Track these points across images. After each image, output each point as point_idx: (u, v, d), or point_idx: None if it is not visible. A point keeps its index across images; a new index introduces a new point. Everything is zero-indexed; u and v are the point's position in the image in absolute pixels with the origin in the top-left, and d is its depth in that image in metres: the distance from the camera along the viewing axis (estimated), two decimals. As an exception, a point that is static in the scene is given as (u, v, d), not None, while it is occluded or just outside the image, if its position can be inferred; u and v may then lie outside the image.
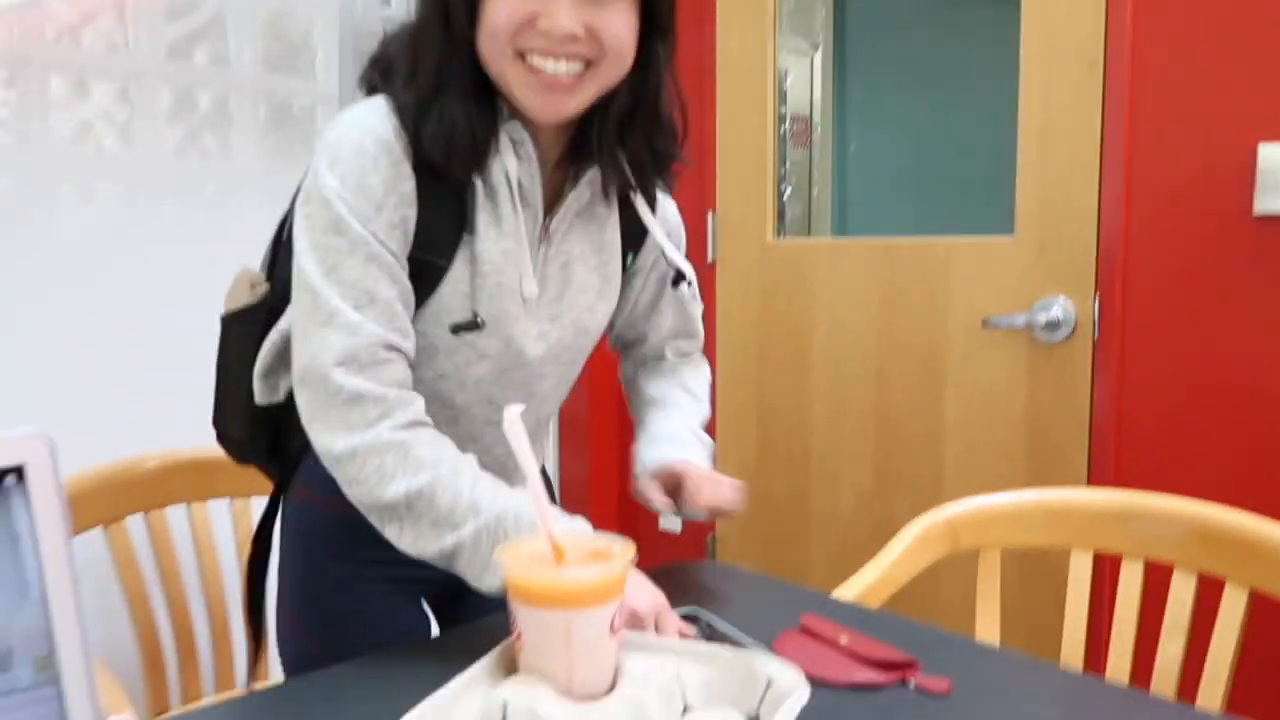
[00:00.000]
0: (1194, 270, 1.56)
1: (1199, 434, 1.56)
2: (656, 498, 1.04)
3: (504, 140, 0.90)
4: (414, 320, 0.90)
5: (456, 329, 0.91)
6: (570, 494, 2.42)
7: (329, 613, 0.98)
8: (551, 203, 0.96)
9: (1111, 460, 1.64)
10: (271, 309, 0.96)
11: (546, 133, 0.93)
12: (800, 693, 0.68)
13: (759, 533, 2.20)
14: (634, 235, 1.04)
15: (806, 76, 2.62)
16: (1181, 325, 1.57)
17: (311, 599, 0.99)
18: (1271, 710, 1.45)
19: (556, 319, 0.97)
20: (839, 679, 0.78)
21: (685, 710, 0.71)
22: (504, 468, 1.03)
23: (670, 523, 2.34)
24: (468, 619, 0.97)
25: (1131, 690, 0.80)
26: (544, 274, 0.95)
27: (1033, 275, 1.74)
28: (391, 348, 0.86)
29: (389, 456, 0.83)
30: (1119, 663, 1.13)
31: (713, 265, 2.23)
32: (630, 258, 1.06)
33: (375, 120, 0.86)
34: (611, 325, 1.10)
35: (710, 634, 0.87)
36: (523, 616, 0.71)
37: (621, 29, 0.86)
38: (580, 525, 0.85)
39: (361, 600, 0.97)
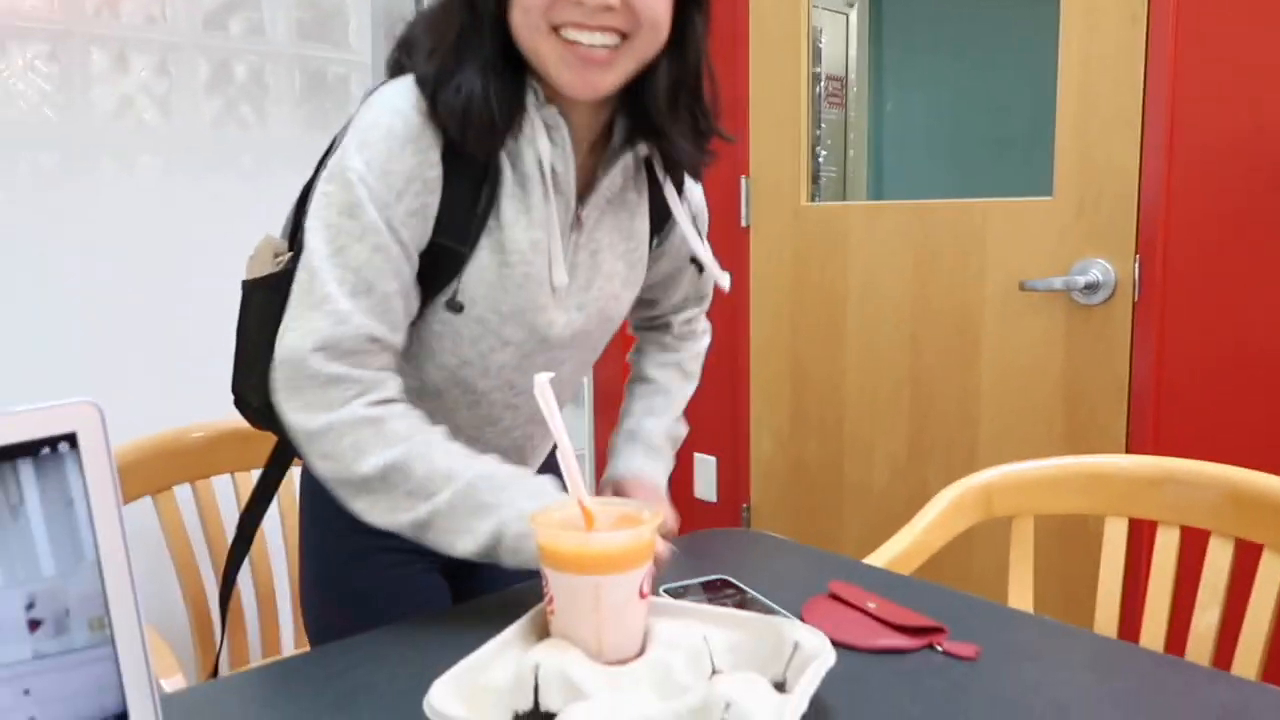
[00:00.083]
0: (1238, 231, 1.52)
1: (1240, 399, 1.54)
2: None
3: (538, 125, 0.89)
4: (436, 313, 0.91)
5: (452, 307, 0.90)
6: (605, 464, 2.44)
7: (349, 582, 1.00)
8: (583, 189, 0.95)
9: (1151, 426, 1.62)
10: (291, 280, 0.96)
11: (581, 116, 0.92)
12: (826, 657, 0.69)
13: (792, 501, 2.21)
14: (660, 218, 1.03)
15: (842, 35, 2.58)
16: (1224, 287, 1.54)
17: (332, 570, 1.01)
18: (1311, 676, 1.44)
19: (583, 307, 0.97)
20: (866, 644, 0.79)
21: (713, 674, 0.73)
22: (520, 450, 1.05)
23: None
24: (483, 590, 0.99)
25: (1162, 655, 0.80)
26: (573, 262, 0.95)
27: (1071, 236, 1.71)
28: (376, 340, 0.85)
29: (365, 431, 0.84)
30: (1154, 630, 1.12)
31: (746, 230, 2.22)
32: (655, 241, 1.05)
33: (405, 102, 0.85)
34: None
35: (739, 600, 0.88)
36: (553, 581, 0.72)
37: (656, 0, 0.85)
38: (546, 484, 0.87)
39: (380, 571, 0.99)
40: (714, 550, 1.06)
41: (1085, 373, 1.72)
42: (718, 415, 2.31)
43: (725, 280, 1.03)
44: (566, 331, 0.96)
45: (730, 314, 2.27)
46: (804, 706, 0.64)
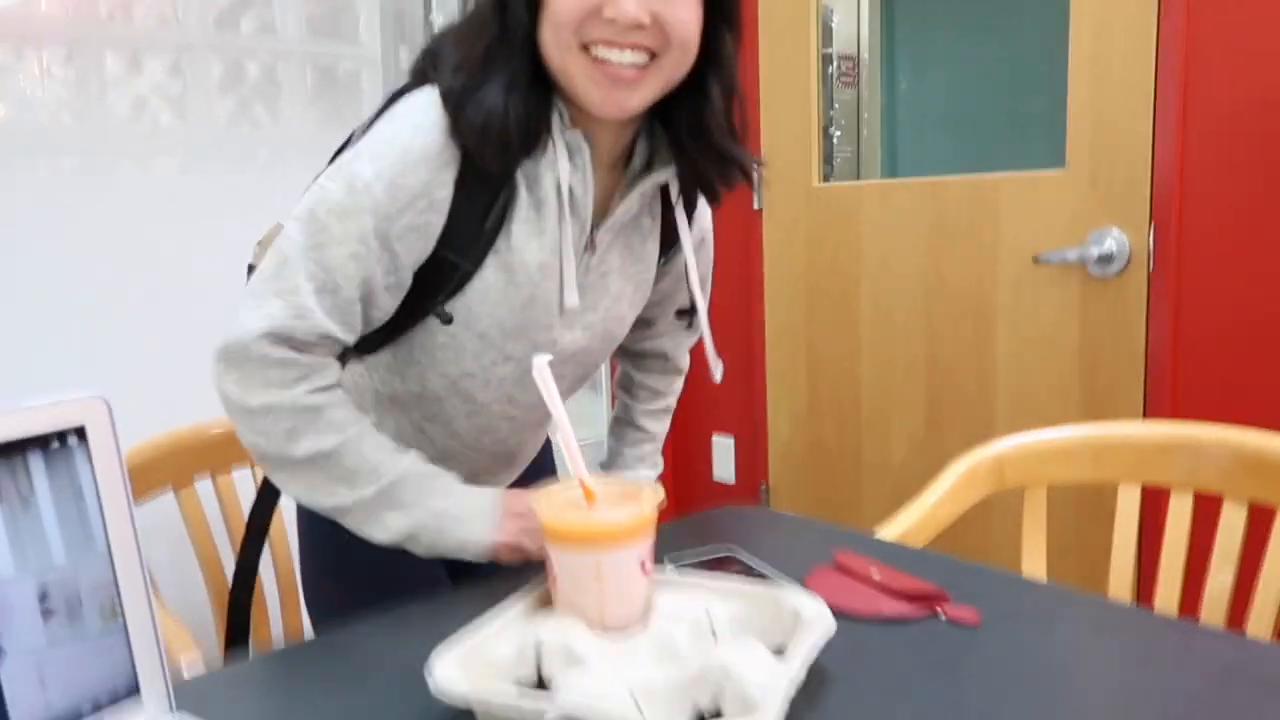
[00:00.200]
0: (1253, 199, 1.50)
1: (1257, 369, 1.52)
2: None
3: (560, 148, 0.88)
4: (437, 326, 0.91)
5: (440, 317, 0.90)
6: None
7: (345, 562, 1.01)
8: (599, 212, 0.94)
9: (1167, 398, 1.61)
10: None
11: (604, 138, 0.91)
12: (825, 624, 0.70)
13: (811, 481, 2.21)
14: (669, 240, 1.03)
15: (853, 13, 2.56)
16: (1240, 256, 1.52)
17: (330, 553, 1.02)
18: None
19: (589, 327, 0.97)
20: (868, 611, 0.80)
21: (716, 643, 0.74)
22: (511, 454, 1.07)
23: None
24: (481, 571, 1.01)
25: (1162, 616, 0.80)
26: (583, 284, 0.95)
27: (1085, 208, 1.69)
28: (329, 336, 0.86)
29: (304, 418, 0.85)
30: (1168, 595, 1.12)
31: (759, 213, 2.22)
32: (662, 259, 1.05)
33: (426, 118, 0.84)
34: None
35: (745, 572, 0.89)
36: (557, 558, 0.74)
37: (688, 18, 0.84)
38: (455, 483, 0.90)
39: (376, 553, 1.02)
40: (722, 526, 1.07)
41: (1101, 345, 1.70)
42: (735, 396, 2.32)
43: (718, 369, 1.03)
44: (570, 349, 0.97)
45: (745, 296, 2.27)
46: (802, 673, 0.65)
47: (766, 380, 2.27)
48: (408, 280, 0.89)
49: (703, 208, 1.07)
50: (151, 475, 1.33)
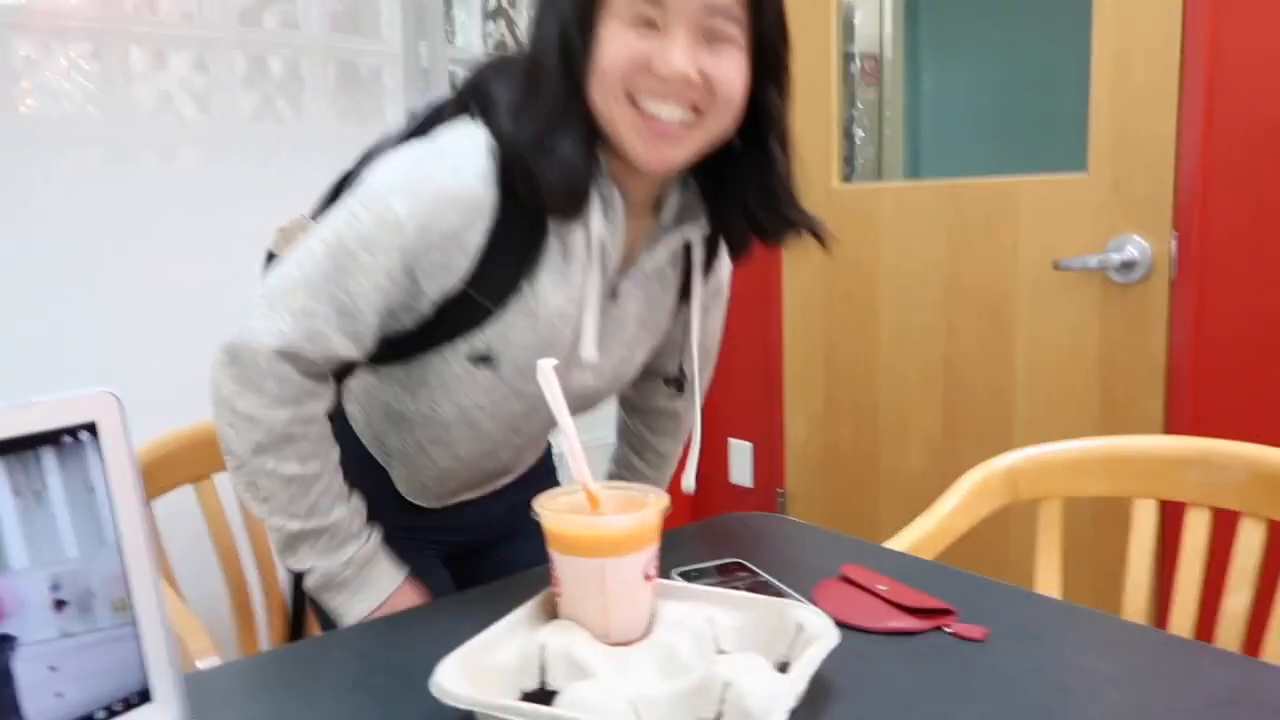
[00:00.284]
0: (1278, 207, 1.48)
1: (1282, 378, 1.50)
2: None
3: (594, 201, 0.88)
4: (456, 355, 0.91)
5: (474, 359, 0.91)
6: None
7: None
8: (624, 261, 0.95)
9: (1188, 407, 1.59)
10: None
11: (636, 188, 0.91)
12: (828, 638, 0.70)
13: (828, 485, 2.20)
14: (690, 288, 1.03)
15: (876, 11, 2.55)
16: (1264, 264, 1.50)
17: None
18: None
19: (600, 370, 0.98)
20: (874, 625, 0.80)
21: (719, 654, 0.74)
22: (506, 469, 1.08)
23: None
24: (483, 576, 1.02)
25: (1170, 636, 0.79)
26: (600, 330, 0.95)
27: (1106, 213, 1.68)
28: (339, 358, 0.87)
29: (274, 440, 0.86)
30: (1183, 614, 1.11)
31: (778, 213, 2.21)
32: (681, 307, 1.05)
33: (468, 164, 0.84)
34: None
35: (752, 583, 0.89)
36: (560, 564, 0.74)
37: (735, 75, 0.85)
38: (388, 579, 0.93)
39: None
40: (731, 533, 1.06)
41: (1121, 353, 1.69)
42: (752, 400, 2.31)
43: (690, 477, 1.02)
44: (579, 390, 0.98)
45: (763, 299, 2.27)
46: (804, 687, 0.65)
47: (784, 384, 2.27)
48: (429, 311, 0.89)
49: (724, 260, 1.07)
50: (171, 470, 1.34)
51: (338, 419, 0.97)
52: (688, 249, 0.99)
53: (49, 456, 0.62)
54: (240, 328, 0.86)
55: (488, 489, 1.09)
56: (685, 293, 1.03)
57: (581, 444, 0.76)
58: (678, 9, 0.81)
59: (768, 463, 2.33)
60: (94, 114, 1.70)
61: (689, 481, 1.02)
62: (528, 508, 0.75)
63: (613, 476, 1.23)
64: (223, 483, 1.41)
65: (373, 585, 0.93)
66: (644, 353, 1.03)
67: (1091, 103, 1.68)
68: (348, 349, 0.87)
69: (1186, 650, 0.77)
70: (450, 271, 0.86)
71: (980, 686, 0.70)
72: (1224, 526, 1.10)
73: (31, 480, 0.61)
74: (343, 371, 0.92)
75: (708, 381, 1.16)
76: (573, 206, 0.86)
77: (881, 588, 0.85)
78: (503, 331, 0.89)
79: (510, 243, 0.86)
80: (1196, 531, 1.11)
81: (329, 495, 0.90)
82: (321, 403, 0.89)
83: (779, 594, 0.86)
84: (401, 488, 1.05)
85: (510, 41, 2.27)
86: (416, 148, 0.88)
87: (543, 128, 0.84)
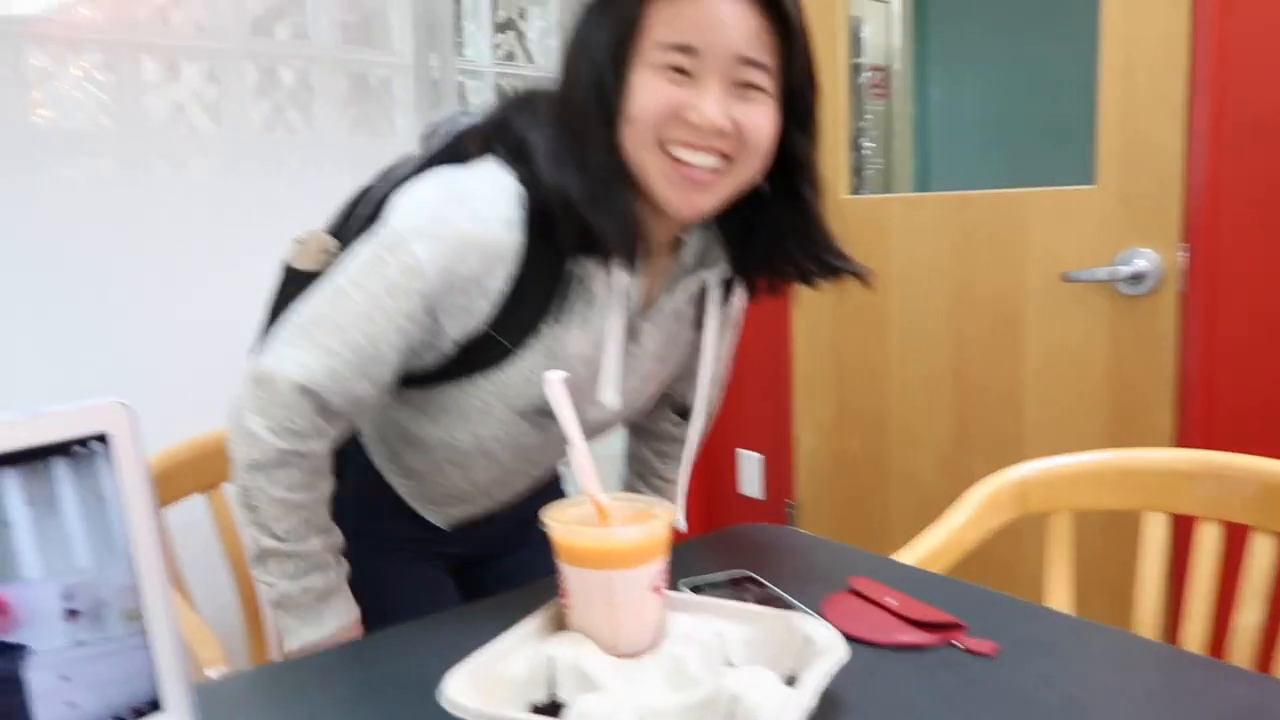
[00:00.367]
0: (1290, 218, 1.48)
1: (1294, 390, 1.49)
2: None
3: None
4: (474, 388, 0.92)
5: (526, 414, 0.92)
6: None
7: (365, 580, 1.03)
8: (644, 301, 0.95)
9: (1199, 420, 1.59)
10: None
11: (659, 231, 0.92)
12: (837, 652, 0.70)
13: (838, 496, 2.20)
14: (700, 321, 1.03)
15: (884, 24, 2.55)
16: (1274, 275, 1.50)
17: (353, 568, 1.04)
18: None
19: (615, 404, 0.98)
20: (883, 640, 0.79)
21: (728, 667, 0.74)
22: (518, 495, 1.08)
23: None
24: (491, 586, 1.02)
25: (1182, 651, 0.79)
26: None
27: (1115, 225, 1.68)
28: (357, 399, 0.88)
29: (270, 461, 0.88)
30: (1194, 629, 1.10)
31: (787, 224, 2.21)
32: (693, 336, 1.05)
33: (493, 211, 0.84)
34: None
35: (761, 596, 0.89)
36: (569, 576, 0.74)
37: (765, 124, 0.85)
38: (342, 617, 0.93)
39: (385, 565, 1.03)
40: (741, 546, 1.06)
41: (1131, 366, 1.68)
42: (761, 411, 2.31)
43: (680, 514, 1.02)
44: (594, 422, 0.99)
45: (772, 310, 2.27)
46: (812, 701, 0.65)
47: (793, 395, 2.26)
48: (451, 350, 0.90)
49: (738, 299, 1.07)
50: (182, 478, 1.35)
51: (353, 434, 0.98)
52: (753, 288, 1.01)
53: (61, 466, 0.62)
54: (274, 353, 0.88)
55: (496, 510, 1.10)
56: (701, 323, 1.03)
57: (591, 454, 0.76)
58: (711, 59, 0.82)
59: (777, 474, 2.33)
60: (107, 124, 1.72)
61: (679, 521, 1.02)
62: (534, 519, 0.75)
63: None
64: (233, 492, 1.42)
65: (324, 618, 0.93)
66: (658, 384, 1.04)
67: (1099, 115, 1.68)
68: (367, 391, 0.88)
69: (1198, 666, 0.76)
70: (471, 314, 0.87)
71: (990, 701, 0.70)
72: (1235, 540, 1.10)
73: (44, 490, 0.61)
74: (357, 412, 0.92)
75: (717, 406, 1.16)
76: (630, 255, 0.87)
77: (890, 601, 0.85)
78: (522, 371, 0.90)
79: (532, 287, 0.87)
80: (1207, 545, 1.11)
81: (309, 525, 0.91)
82: (324, 441, 0.90)
83: (788, 607, 0.85)
84: (412, 503, 1.05)
85: (519, 53, 2.28)
86: (439, 188, 0.87)
87: (595, 179, 0.84)
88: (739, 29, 0.82)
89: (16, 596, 0.60)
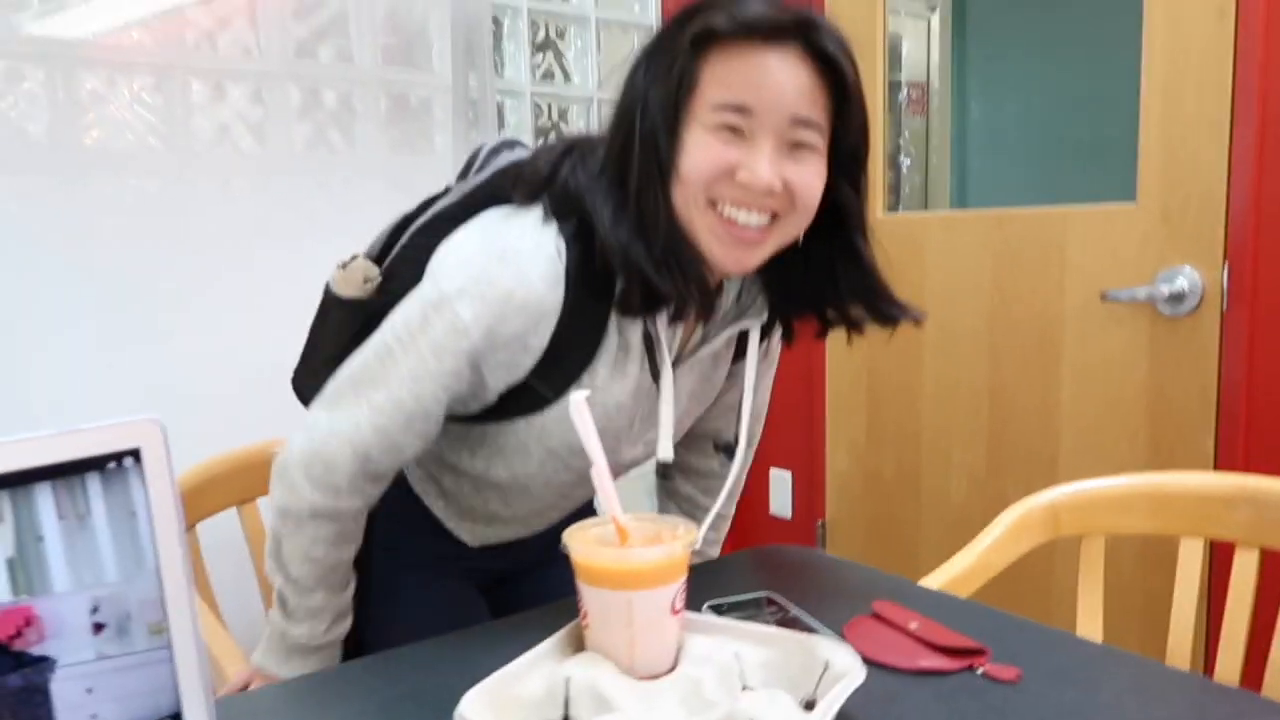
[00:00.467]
0: (1336, 237, 1.44)
1: (1341, 413, 1.45)
2: None
3: None
4: (513, 429, 0.93)
5: (560, 455, 0.94)
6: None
7: (398, 596, 1.05)
8: (681, 347, 0.95)
9: (1240, 443, 1.55)
10: (372, 313, 0.98)
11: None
12: (855, 675, 0.69)
13: (869, 516, 2.18)
14: (737, 357, 1.03)
15: (923, 40, 2.54)
16: (1321, 297, 1.46)
17: (384, 584, 1.06)
18: None
19: (650, 443, 0.99)
20: (905, 664, 0.79)
21: (744, 690, 0.73)
22: (550, 523, 1.10)
23: None
24: (517, 605, 1.03)
25: (1213, 682, 0.77)
26: (651, 410, 0.96)
27: (1155, 244, 1.65)
28: (401, 458, 0.90)
29: (303, 514, 0.91)
30: (1230, 659, 1.07)
31: (822, 241, 2.21)
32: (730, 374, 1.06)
33: (535, 269, 0.84)
34: None
35: (782, 618, 0.88)
36: (588, 596, 0.74)
37: (815, 183, 0.85)
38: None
39: (415, 582, 1.04)
40: (765, 567, 1.06)
41: (1171, 386, 1.65)
42: (793, 429, 2.30)
43: (747, 440, 1.01)
44: (628, 461, 1.00)
45: (804, 326, 2.25)
46: (828, 726, 0.64)
47: (826, 413, 2.25)
48: (494, 400, 0.91)
49: (775, 335, 1.07)
50: (215, 493, 1.37)
51: None
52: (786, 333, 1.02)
53: (94, 482, 0.64)
54: (323, 408, 0.90)
55: (528, 535, 1.11)
56: (736, 356, 1.03)
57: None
58: (765, 119, 0.82)
59: (807, 493, 2.31)
60: (155, 145, 1.76)
61: (713, 549, 1.03)
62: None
63: None
64: (266, 506, 1.44)
65: (291, 664, 0.95)
66: (692, 419, 1.05)
67: (1141, 131, 1.65)
68: (412, 445, 0.90)
69: (1230, 698, 0.75)
70: (515, 369, 0.88)
71: (1011, 730, 0.69)
72: (1275, 568, 1.07)
73: (77, 505, 0.63)
74: (399, 466, 0.94)
75: (757, 438, 1.16)
76: (707, 314, 0.89)
77: (913, 625, 0.84)
78: (559, 417, 0.90)
79: (574, 339, 0.88)
80: (1245, 572, 1.08)
81: (322, 580, 0.93)
82: (359, 501, 0.92)
83: (809, 629, 0.85)
84: (446, 521, 1.07)
85: (558, 72, 2.30)
86: (483, 246, 0.87)
87: (661, 243, 0.84)
88: (793, 89, 0.82)
89: (46, 609, 0.61)
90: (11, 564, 0.61)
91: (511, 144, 1.02)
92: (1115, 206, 1.70)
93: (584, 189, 0.87)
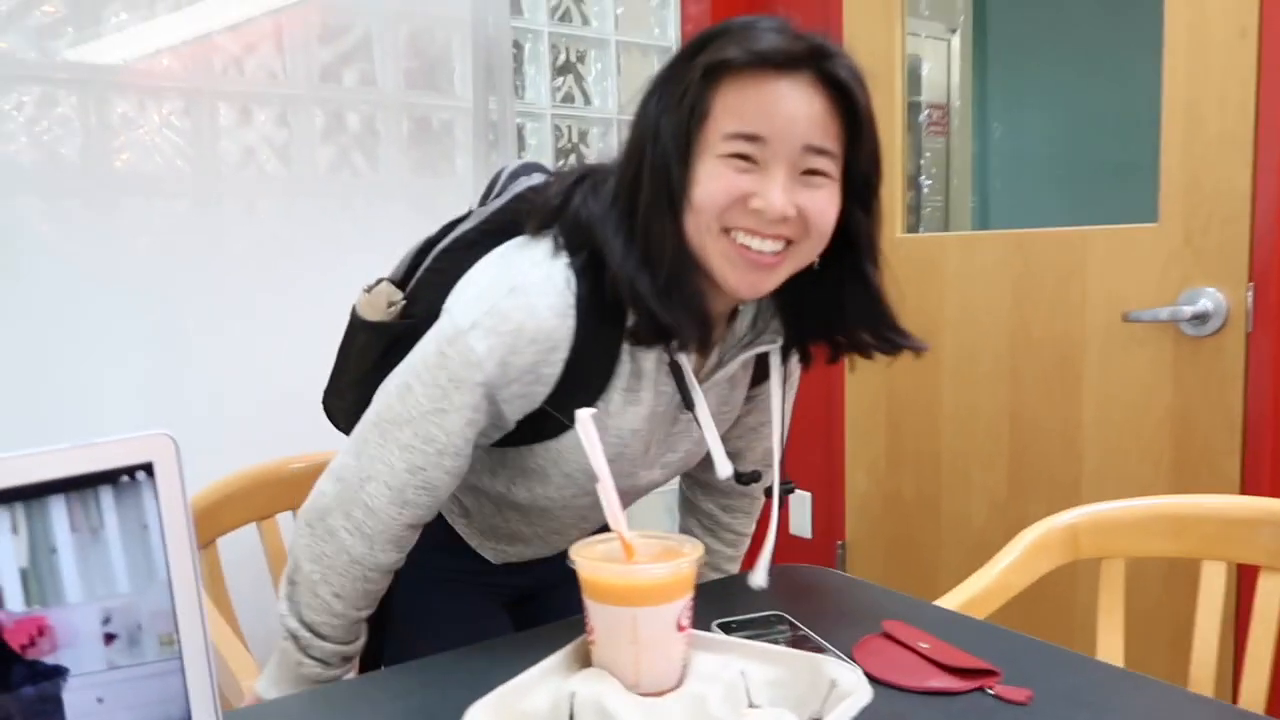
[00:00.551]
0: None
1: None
2: None
3: None
4: (531, 453, 0.94)
5: (577, 479, 0.95)
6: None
7: (411, 614, 1.06)
8: (697, 370, 0.96)
9: (1267, 465, 1.52)
10: (397, 335, 0.99)
11: (718, 305, 0.92)
12: (861, 695, 0.68)
13: (888, 537, 2.16)
14: (758, 376, 1.04)
15: (943, 62, 2.54)
16: (1347, 317, 1.44)
17: (402, 603, 1.07)
18: None
19: (667, 466, 1.00)
20: (914, 685, 0.78)
21: (750, 708, 0.73)
22: (570, 540, 1.08)
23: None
24: (543, 621, 1.03)
25: (1229, 706, 0.75)
26: (669, 433, 0.97)
27: (1178, 264, 1.63)
28: (435, 491, 0.91)
29: (344, 568, 0.92)
30: (1254, 684, 1.05)
31: (841, 262, 2.20)
32: (748, 398, 1.06)
33: (545, 300, 0.85)
34: None
35: (791, 637, 0.88)
36: (593, 612, 0.74)
37: (829, 209, 0.86)
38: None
39: (437, 599, 1.05)
40: (778, 586, 1.05)
41: (1195, 408, 1.63)
42: (812, 450, 2.29)
43: (761, 575, 1.00)
44: (645, 484, 1.00)
45: (820, 351, 2.25)
46: (832, 745, 0.64)
47: (845, 433, 2.24)
48: (512, 427, 0.92)
49: (793, 359, 1.06)
50: (235, 509, 1.39)
51: None
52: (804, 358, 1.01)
53: (107, 495, 0.64)
54: (356, 460, 0.91)
55: (549, 554, 1.11)
56: (754, 379, 1.03)
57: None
58: (778, 148, 0.82)
59: (826, 513, 2.30)
60: (183, 167, 1.80)
61: (761, 578, 0.99)
62: None
63: None
64: (285, 522, 1.45)
65: (288, 686, 0.96)
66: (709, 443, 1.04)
67: (1162, 151, 1.64)
68: (447, 485, 0.90)
69: (1246, 723, 0.73)
70: (530, 399, 0.89)
71: (1020, 753, 0.68)
72: (1300, 592, 1.05)
73: (90, 517, 0.64)
74: (434, 506, 0.94)
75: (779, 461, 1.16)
76: (702, 346, 0.89)
77: (923, 645, 0.83)
78: (575, 443, 0.91)
79: (586, 368, 0.88)
80: (1269, 597, 1.06)
81: (333, 630, 0.94)
82: (394, 554, 0.92)
83: (818, 649, 0.84)
84: (469, 540, 1.08)
85: (578, 95, 2.32)
86: (495, 280, 0.88)
87: (665, 274, 0.85)
88: (806, 117, 0.82)
89: (59, 619, 0.62)
90: (25, 575, 0.62)
91: (531, 168, 1.03)
92: (1137, 227, 1.69)
93: (595, 220, 0.87)
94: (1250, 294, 1.55)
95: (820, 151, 0.83)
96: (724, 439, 1.07)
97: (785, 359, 1.00)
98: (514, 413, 0.90)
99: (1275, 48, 1.49)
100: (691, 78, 0.83)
